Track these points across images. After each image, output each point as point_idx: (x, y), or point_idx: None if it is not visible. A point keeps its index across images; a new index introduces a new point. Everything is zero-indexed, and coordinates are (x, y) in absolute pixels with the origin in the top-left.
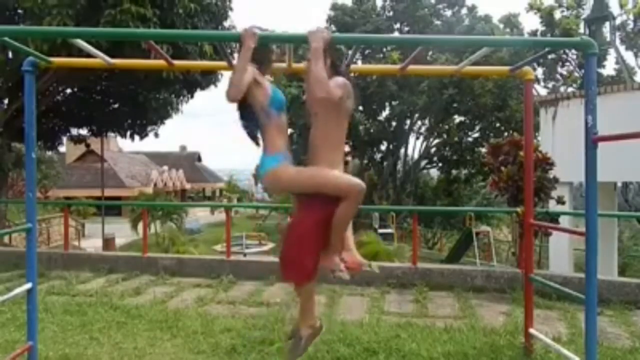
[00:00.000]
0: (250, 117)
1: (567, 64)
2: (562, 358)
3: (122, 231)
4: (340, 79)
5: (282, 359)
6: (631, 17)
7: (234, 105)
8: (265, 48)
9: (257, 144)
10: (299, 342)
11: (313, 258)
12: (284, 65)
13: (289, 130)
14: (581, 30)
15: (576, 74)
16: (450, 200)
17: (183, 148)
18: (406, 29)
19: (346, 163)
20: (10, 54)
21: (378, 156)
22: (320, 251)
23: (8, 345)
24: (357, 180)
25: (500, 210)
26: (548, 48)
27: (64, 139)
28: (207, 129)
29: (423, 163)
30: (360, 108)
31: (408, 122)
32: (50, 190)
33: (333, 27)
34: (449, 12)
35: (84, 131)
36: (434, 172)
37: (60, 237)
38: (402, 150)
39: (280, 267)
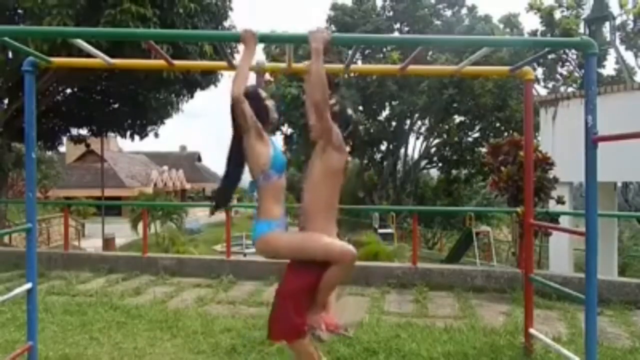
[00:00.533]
0: (234, 172)
1: (567, 64)
2: (562, 358)
3: (122, 231)
4: (338, 131)
5: (282, 359)
6: (631, 17)
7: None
8: (256, 98)
9: (221, 206)
10: None
11: (302, 317)
12: (283, 65)
13: (289, 130)
14: (581, 30)
15: (576, 74)
16: (450, 200)
17: (183, 148)
18: (406, 29)
19: (346, 163)
20: (10, 54)
21: (378, 156)
22: (306, 313)
23: (8, 345)
24: (349, 248)
25: (500, 210)
26: (548, 48)
27: (64, 139)
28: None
29: (423, 163)
30: (360, 108)
31: (408, 122)
32: (50, 190)
33: (333, 27)
34: (449, 12)
35: (84, 131)
36: (434, 172)
37: (60, 237)
38: (402, 150)
39: (268, 326)
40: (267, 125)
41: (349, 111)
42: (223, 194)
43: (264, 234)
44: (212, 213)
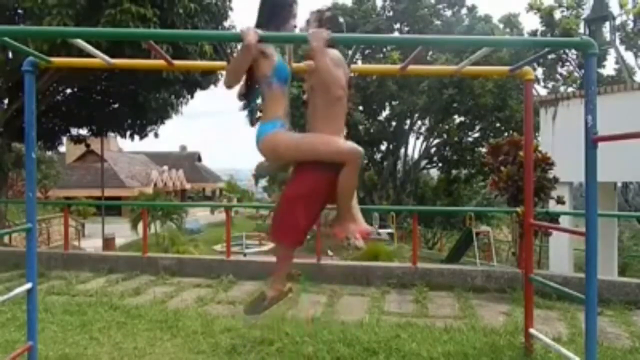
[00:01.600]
0: (252, 93)
1: (567, 64)
2: (562, 358)
3: (122, 231)
4: (336, 54)
5: (282, 359)
6: (631, 17)
7: (236, 90)
8: (284, 10)
9: (252, 123)
10: (262, 302)
11: (306, 221)
12: None
13: None
14: (581, 30)
15: (576, 74)
16: (450, 200)
17: (183, 148)
18: (406, 29)
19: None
20: (10, 54)
21: (378, 156)
22: (314, 218)
23: (8, 345)
24: (355, 145)
25: (500, 210)
26: (548, 48)
27: (64, 139)
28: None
29: (423, 163)
30: (360, 108)
31: (408, 122)
32: (50, 190)
33: None
34: (449, 12)
35: (84, 131)
36: (434, 172)
37: (60, 237)
38: (402, 150)
39: (271, 226)
40: (282, 28)
41: (340, 19)
42: (249, 109)
43: (269, 133)
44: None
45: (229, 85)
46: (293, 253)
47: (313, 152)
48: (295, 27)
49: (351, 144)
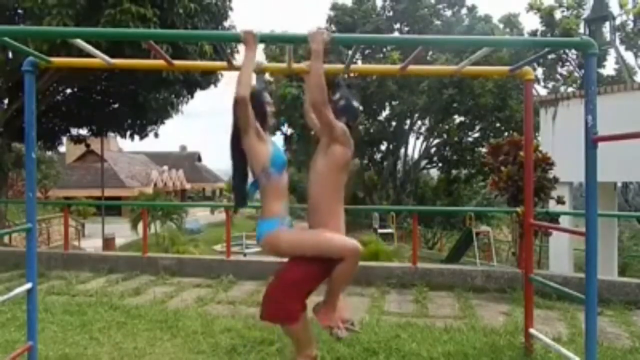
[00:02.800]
0: (244, 177)
1: (567, 64)
2: (562, 358)
3: (122, 231)
4: (341, 126)
5: (282, 359)
6: (631, 17)
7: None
8: (259, 102)
9: (239, 206)
10: None
11: (297, 304)
12: (284, 65)
13: (289, 131)
14: (581, 30)
15: (576, 74)
16: (450, 200)
17: (183, 148)
18: (406, 29)
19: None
20: (10, 54)
21: (378, 156)
22: (306, 298)
23: (8, 345)
24: (352, 243)
25: (500, 210)
26: (548, 48)
27: (64, 139)
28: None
29: (423, 163)
30: (360, 108)
31: (408, 122)
32: (50, 190)
33: (333, 27)
34: (449, 12)
35: (84, 131)
36: (434, 172)
37: (60, 237)
38: (402, 150)
39: (263, 304)
40: (264, 127)
41: (355, 103)
42: (239, 193)
43: (269, 233)
44: (235, 211)
45: (244, 95)
46: (301, 326)
47: (315, 249)
48: (272, 111)
49: (352, 243)
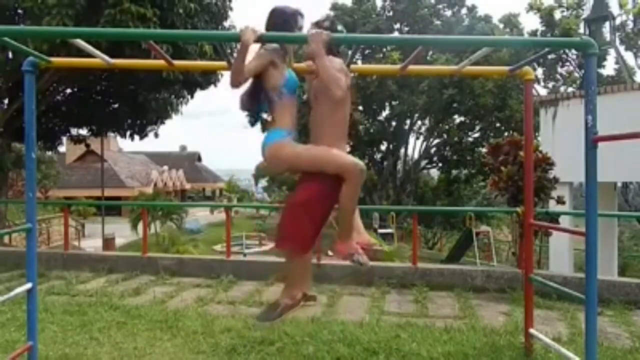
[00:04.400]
0: (258, 96)
1: (567, 64)
2: (562, 358)
3: (122, 231)
4: (337, 62)
5: (282, 359)
6: (631, 17)
7: (237, 92)
8: (290, 24)
9: (253, 123)
10: (275, 309)
11: (311, 229)
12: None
13: None
14: (581, 30)
15: (576, 74)
16: (450, 200)
17: (183, 148)
18: (406, 29)
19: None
20: (10, 54)
21: (378, 156)
22: (319, 225)
23: (8, 345)
24: (354, 160)
25: (500, 210)
26: (548, 48)
27: (64, 139)
28: (207, 129)
29: (423, 163)
30: (360, 108)
31: (408, 122)
32: (50, 190)
33: None
34: (449, 12)
35: (84, 131)
36: (434, 172)
37: (60, 237)
38: (402, 150)
39: (276, 235)
40: (285, 55)
41: (339, 27)
42: (252, 108)
43: (276, 141)
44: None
45: (234, 85)
46: (304, 260)
47: (316, 164)
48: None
49: (353, 160)
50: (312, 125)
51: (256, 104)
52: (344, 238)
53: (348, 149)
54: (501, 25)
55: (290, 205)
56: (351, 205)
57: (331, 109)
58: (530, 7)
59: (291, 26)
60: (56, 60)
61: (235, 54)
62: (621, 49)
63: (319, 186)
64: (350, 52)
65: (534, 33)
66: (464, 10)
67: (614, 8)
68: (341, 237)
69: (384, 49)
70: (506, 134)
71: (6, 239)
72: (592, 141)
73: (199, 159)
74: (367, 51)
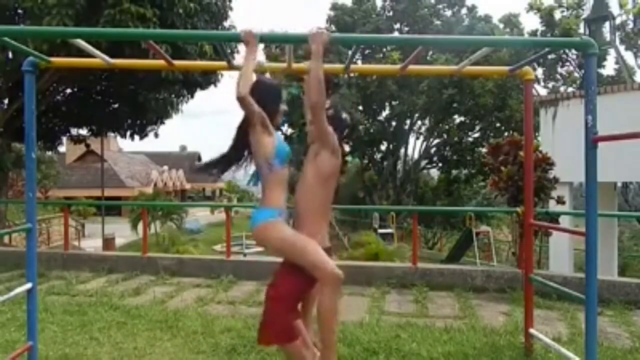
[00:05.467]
0: (239, 153)
1: (567, 64)
2: (562, 358)
3: (122, 231)
4: (334, 135)
5: (282, 359)
6: (631, 17)
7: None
8: (276, 99)
9: (220, 173)
10: None
11: (292, 319)
12: (284, 65)
13: (289, 131)
14: (581, 30)
15: (576, 74)
16: (450, 200)
17: (183, 148)
18: (406, 29)
19: (345, 163)
20: (10, 54)
21: (378, 156)
22: (296, 311)
23: (8, 345)
24: (337, 271)
25: (500, 210)
26: (548, 48)
27: (64, 139)
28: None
29: (423, 163)
30: (360, 108)
31: (408, 122)
32: (50, 190)
33: (333, 27)
34: (449, 12)
35: (84, 131)
36: (434, 172)
37: (60, 237)
38: (402, 150)
39: (259, 330)
40: (273, 122)
41: (344, 114)
42: (224, 162)
43: (264, 221)
44: (213, 173)
45: (244, 91)
46: (299, 345)
47: (298, 257)
48: (285, 110)
49: (332, 267)
50: (298, 195)
51: (236, 162)
52: (324, 357)
53: (347, 148)
54: (501, 25)
55: (270, 301)
56: (328, 313)
57: (320, 182)
58: (530, 7)
59: (273, 97)
60: (56, 60)
61: (235, 54)
62: (621, 49)
63: (298, 281)
64: (350, 52)
65: (534, 33)
66: (464, 10)
67: (614, 8)
68: (322, 355)
69: (384, 49)
70: (506, 134)
71: (6, 239)
72: (592, 141)
73: (199, 159)
74: (367, 51)
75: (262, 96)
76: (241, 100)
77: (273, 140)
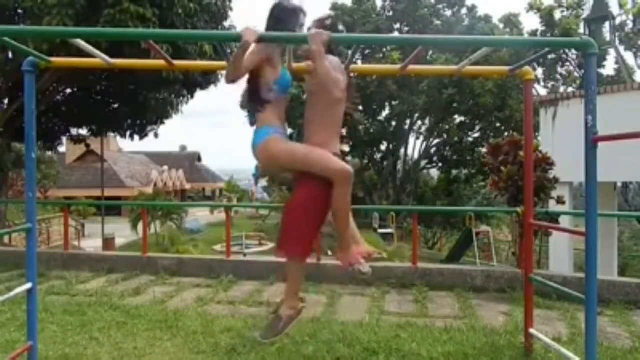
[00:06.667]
0: (256, 96)
1: (567, 64)
2: (562, 358)
3: (122, 231)
4: (336, 61)
5: (282, 359)
6: (631, 17)
7: (234, 92)
8: (294, 19)
9: (253, 122)
10: (278, 323)
11: (310, 231)
12: (283, 65)
13: (289, 130)
14: (581, 30)
15: (576, 74)
16: (450, 200)
17: (183, 148)
18: (406, 29)
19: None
20: (10, 54)
21: (378, 156)
22: (318, 227)
23: (8, 345)
24: (345, 166)
25: (500, 210)
26: (548, 48)
27: (64, 139)
28: (207, 129)
29: (423, 163)
30: (360, 108)
31: (408, 122)
32: (50, 190)
33: None
34: (449, 12)
35: (84, 131)
36: (434, 172)
37: (60, 237)
38: (402, 150)
39: (279, 241)
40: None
41: (340, 27)
42: (251, 109)
43: (265, 139)
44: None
45: (230, 80)
46: (303, 267)
47: (304, 163)
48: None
49: (341, 164)
50: (306, 122)
51: (254, 102)
52: (344, 248)
53: (347, 148)
54: (501, 25)
55: (288, 210)
56: (343, 210)
57: (326, 107)
58: (530, 7)
59: (292, 23)
60: (56, 60)
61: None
62: (621, 49)
63: (313, 188)
64: (350, 52)
65: (534, 33)
66: (464, 10)
67: (614, 8)
68: (341, 247)
69: (384, 49)
70: (506, 134)
71: (6, 239)
72: (592, 141)
73: (199, 159)
74: (367, 51)
75: (278, 20)
76: (230, 84)
77: (276, 71)
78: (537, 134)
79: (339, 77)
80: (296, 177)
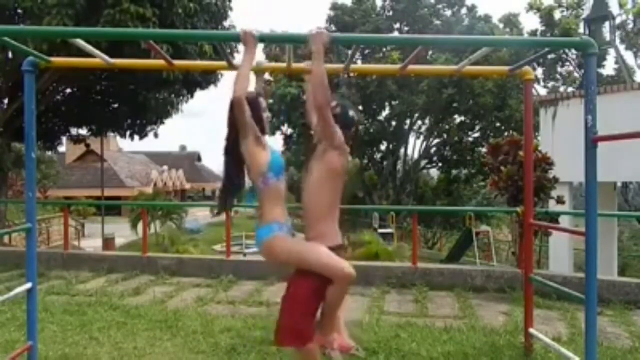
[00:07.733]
0: (236, 178)
1: (567, 64)
2: (562, 358)
3: (122, 231)
4: (339, 135)
5: (282, 359)
6: (631, 17)
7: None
8: (256, 108)
9: (220, 210)
10: None
11: (309, 322)
12: (284, 65)
13: (289, 131)
14: (581, 30)
15: (576, 74)
16: (450, 200)
17: (183, 148)
18: (406, 29)
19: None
20: (10, 54)
21: (378, 156)
22: (314, 315)
23: (8, 345)
24: (346, 269)
25: (500, 210)
26: (548, 48)
27: (64, 139)
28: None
29: (423, 163)
30: (360, 108)
31: (408, 122)
32: (50, 190)
33: (333, 27)
34: (449, 12)
35: (84, 131)
36: (434, 172)
37: (60, 237)
38: (402, 150)
39: (275, 331)
40: (262, 132)
41: (351, 112)
42: (225, 199)
43: (266, 239)
44: (217, 214)
45: (241, 92)
46: (314, 350)
47: (308, 264)
48: (268, 117)
49: (344, 267)
50: (306, 208)
51: (233, 190)
52: (325, 331)
53: (348, 149)
54: (501, 25)
55: (286, 303)
56: (337, 304)
57: (328, 181)
58: (530, 7)
59: (258, 111)
60: (56, 60)
61: (235, 54)
62: (621, 49)
63: (312, 282)
64: (350, 53)
65: (534, 33)
66: (464, 10)
67: (614, 8)
68: (322, 328)
69: (384, 49)
70: (506, 134)
71: (6, 239)
72: (592, 141)
73: (199, 159)
74: (367, 51)
75: (251, 113)
76: (237, 102)
77: (266, 154)
78: (537, 134)
79: (339, 139)
80: (295, 270)
